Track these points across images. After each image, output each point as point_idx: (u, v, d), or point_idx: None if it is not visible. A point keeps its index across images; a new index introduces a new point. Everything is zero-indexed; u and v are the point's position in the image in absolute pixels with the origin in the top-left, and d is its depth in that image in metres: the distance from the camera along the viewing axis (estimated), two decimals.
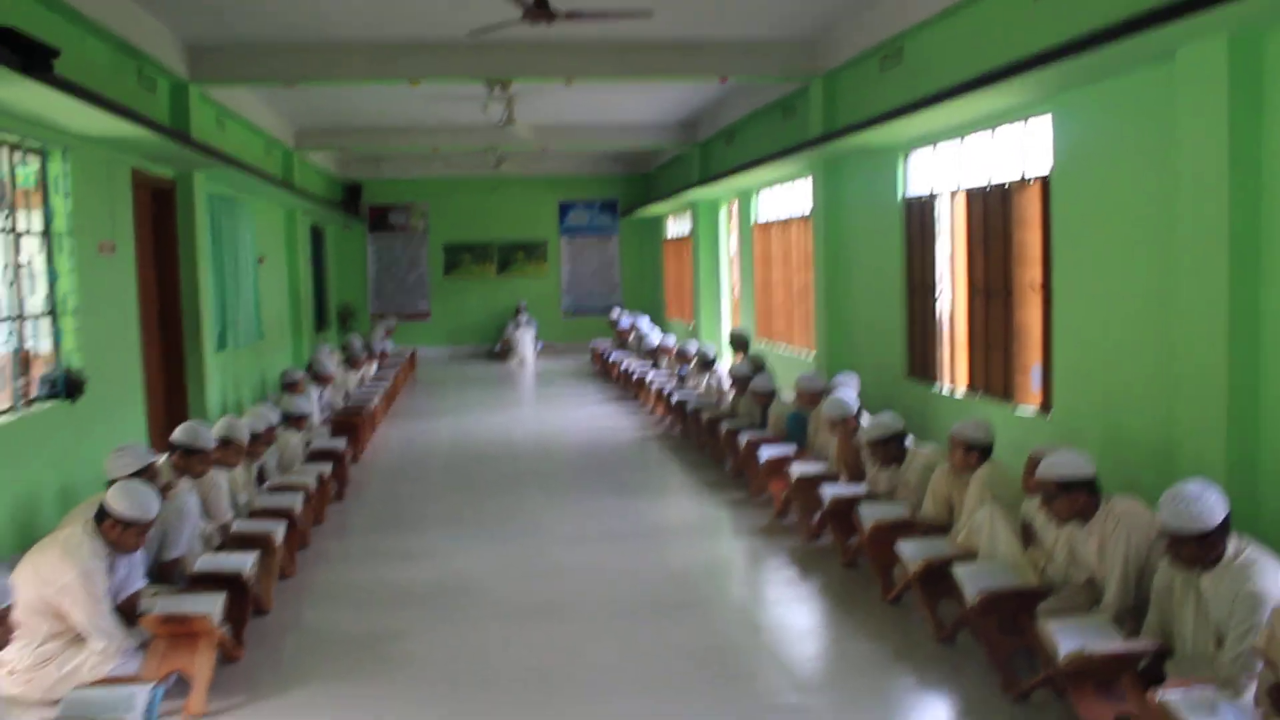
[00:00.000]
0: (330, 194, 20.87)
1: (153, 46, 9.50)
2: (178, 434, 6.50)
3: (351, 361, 14.74)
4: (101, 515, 4.94)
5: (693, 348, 13.61)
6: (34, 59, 5.71)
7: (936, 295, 9.69)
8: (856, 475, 7.53)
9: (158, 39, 9.69)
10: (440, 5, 9.50)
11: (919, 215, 9.96)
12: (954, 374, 9.44)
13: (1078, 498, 4.97)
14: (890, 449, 7.01)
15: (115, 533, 4.91)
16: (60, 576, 4.74)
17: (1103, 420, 7.00)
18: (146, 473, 5.70)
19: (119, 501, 4.91)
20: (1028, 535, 5.58)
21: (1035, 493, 5.61)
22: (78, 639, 4.87)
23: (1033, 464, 5.63)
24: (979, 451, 6.19)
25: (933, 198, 9.67)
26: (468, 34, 10.09)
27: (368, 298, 23.12)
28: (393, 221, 23.18)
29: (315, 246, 19.24)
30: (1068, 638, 4.38)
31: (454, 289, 23.42)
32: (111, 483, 5.57)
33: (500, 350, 22.13)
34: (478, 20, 9.46)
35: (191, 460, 6.43)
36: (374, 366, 16.24)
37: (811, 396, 9.05)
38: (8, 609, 3.87)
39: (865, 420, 7.69)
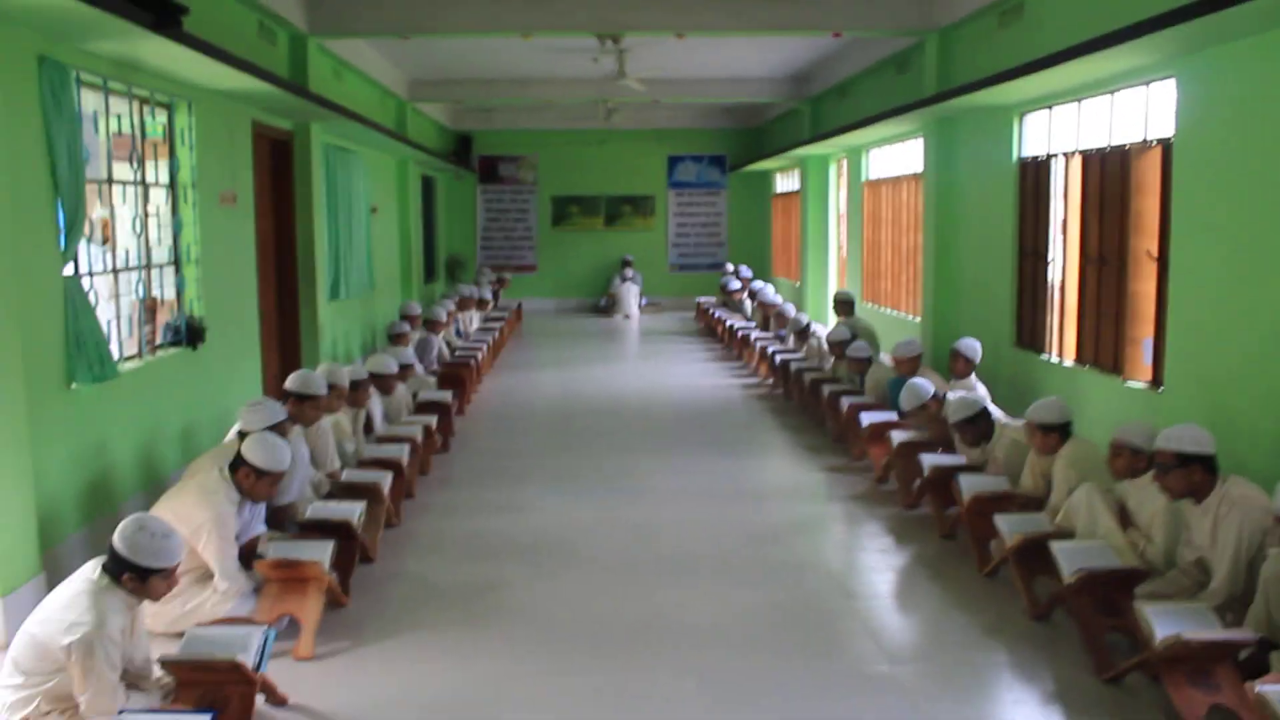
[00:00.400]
0: (442, 144, 21.14)
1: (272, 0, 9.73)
2: (291, 382, 6.75)
3: (462, 304, 15.11)
4: (236, 464, 5.18)
5: (792, 311, 13.56)
6: (165, 16, 5.90)
7: (1048, 262, 9.47)
8: (950, 449, 7.48)
9: None
10: None
11: (1033, 178, 9.72)
12: (1062, 344, 9.23)
13: (1194, 473, 4.88)
14: (978, 428, 6.94)
15: (249, 481, 5.18)
16: (196, 517, 5.03)
17: (1216, 398, 6.79)
18: (278, 428, 5.92)
19: (255, 452, 5.16)
20: (1122, 516, 5.50)
21: (1122, 475, 5.52)
22: (202, 578, 5.16)
23: (1116, 447, 5.55)
24: (1057, 432, 6.11)
25: (1048, 159, 9.42)
26: None
27: (476, 249, 23.42)
28: (502, 173, 23.39)
29: (426, 197, 19.56)
30: (1165, 622, 4.32)
31: (561, 242, 23.58)
32: (242, 434, 5.82)
33: (606, 305, 22.27)
34: None
35: (304, 407, 6.67)
36: (475, 317, 16.50)
37: (910, 363, 8.97)
38: (176, 565, 4.10)
39: (951, 395, 7.64)
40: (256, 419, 5.89)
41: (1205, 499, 4.89)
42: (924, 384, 7.83)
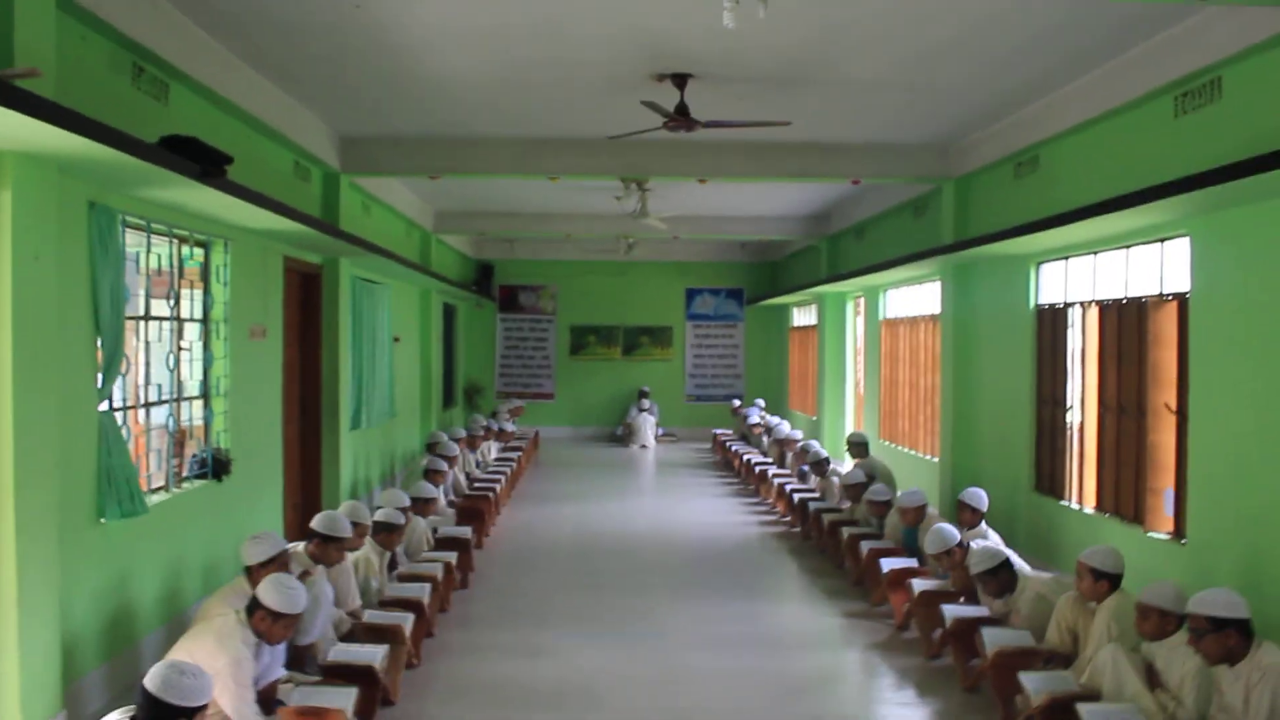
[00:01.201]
0: (464, 273, 21.53)
1: (308, 140, 10.08)
2: (317, 522, 6.78)
3: (471, 441, 15.08)
4: (252, 607, 5.20)
5: (813, 447, 13.58)
6: (211, 166, 6.14)
7: (1067, 408, 9.54)
8: (972, 598, 7.45)
9: (313, 133, 10.27)
10: (583, 108, 9.86)
11: (1050, 325, 9.86)
12: (1082, 492, 9.24)
13: (1229, 637, 4.88)
14: (999, 579, 6.91)
15: (265, 624, 5.18)
16: (213, 662, 5.01)
17: (1240, 552, 6.78)
18: (279, 559, 5.95)
19: (270, 595, 5.17)
20: (1151, 677, 5.44)
21: (1152, 637, 5.48)
22: None
23: (1144, 609, 5.50)
24: (1108, 581, 6.07)
25: (1065, 308, 9.57)
26: (608, 137, 10.44)
27: (494, 376, 23.63)
28: (522, 302, 23.74)
29: (447, 324, 19.83)
30: None
31: (579, 370, 23.79)
32: (247, 569, 5.87)
33: (622, 434, 22.36)
34: (619, 121, 9.80)
35: (328, 548, 6.69)
36: (494, 447, 16.58)
37: (915, 512, 8.99)
38: (206, 705, 4.10)
39: (975, 545, 7.62)
40: (257, 552, 5.92)
41: (1239, 664, 4.86)
42: (949, 529, 7.80)
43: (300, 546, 6.78)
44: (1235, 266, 6.90)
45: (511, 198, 16.38)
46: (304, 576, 6.21)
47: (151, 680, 4.02)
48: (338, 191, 11.31)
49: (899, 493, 9.36)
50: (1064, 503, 9.42)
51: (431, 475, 11.05)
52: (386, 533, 7.78)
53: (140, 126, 6.57)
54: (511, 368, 23.77)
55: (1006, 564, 6.93)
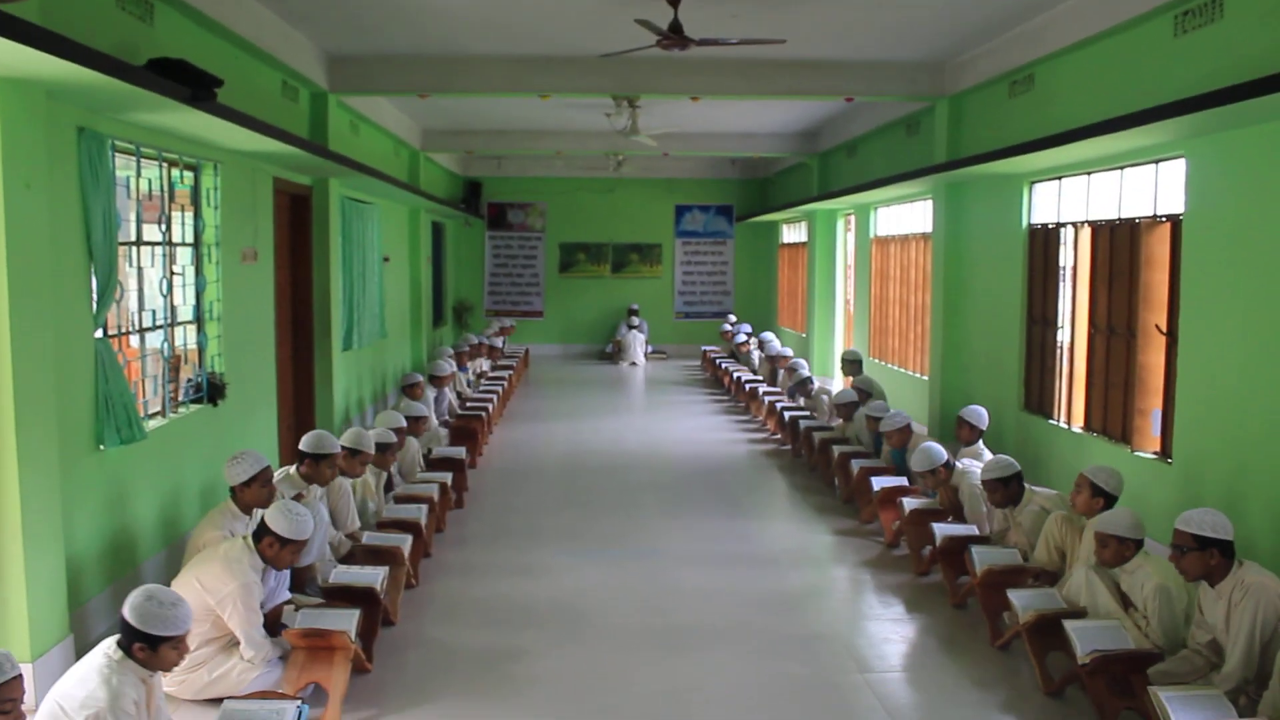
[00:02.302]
0: (452, 192, 21.36)
1: (296, 60, 9.91)
2: (305, 442, 6.83)
3: (458, 358, 15.12)
4: (260, 533, 5.27)
5: (800, 367, 13.66)
6: (200, 90, 6.05)
7: (1057, 328, 9.59)
8: (959, 516, 7.58)
9: (301, 52, 10.11)
10: (574, 25, 9.71)
11: (1042, 245, 9.87)
12: (1070, 411, 9.33)
13: (1211, 556, 4.97)
14: (1009, 489, 7.00)
15: (273, 550, 5.26)
16: (222, 587, 5.11)
17: (1225, 472, 6.89)
18: (262, 476, 5.99)
19: (278, 521, 5.24)
20: (1123, 597, 5.58)
21: (1112, 564, 5.59)
22: (228, 646, 5.23)
23: (1101, 537, 5.63)
24: (1104, 499, 6.18)
25: (1057, 228, 9.57)
26: (600, 56, 10.29)
27: (483, 295, 23.59)
28: (511, 219, 23.60)
29: (435, 243, 19.73)
30: (1182, 711, 4.39)
31: (568, 288, 23.76)
32: (232, 489, 5.93)
33: (612, 351, 22.42)
34: (612, 39, 9.66)
35: (319, 466, 6.75)
36: (487, 363, 16.63)
37: (899, 434, 9.10)
38: (187, 632, 4.19)
39: (962, 463, 7.75)
40: (239, 471, 5.96)
41: (1220, 583, 4.97)
42: (937, 448, 7.90)
43: (292, 470, 6.83)
44: (1231, 189, 6.89)
45: (500, 115, 16.19)
46: (298, 499, 6.28)
47: (129, 610, 4.10)
48: (326, 111, 11.17)
49: (884, 416, 9.44)
50: (1052, 422, 9.53)
51: (409, 390, 11.11)
52: (381, 453, 7.85)
53: (125, 48, 6.48)
54: (500, 286, 23.72)
55: (1018, 476, 7.01)
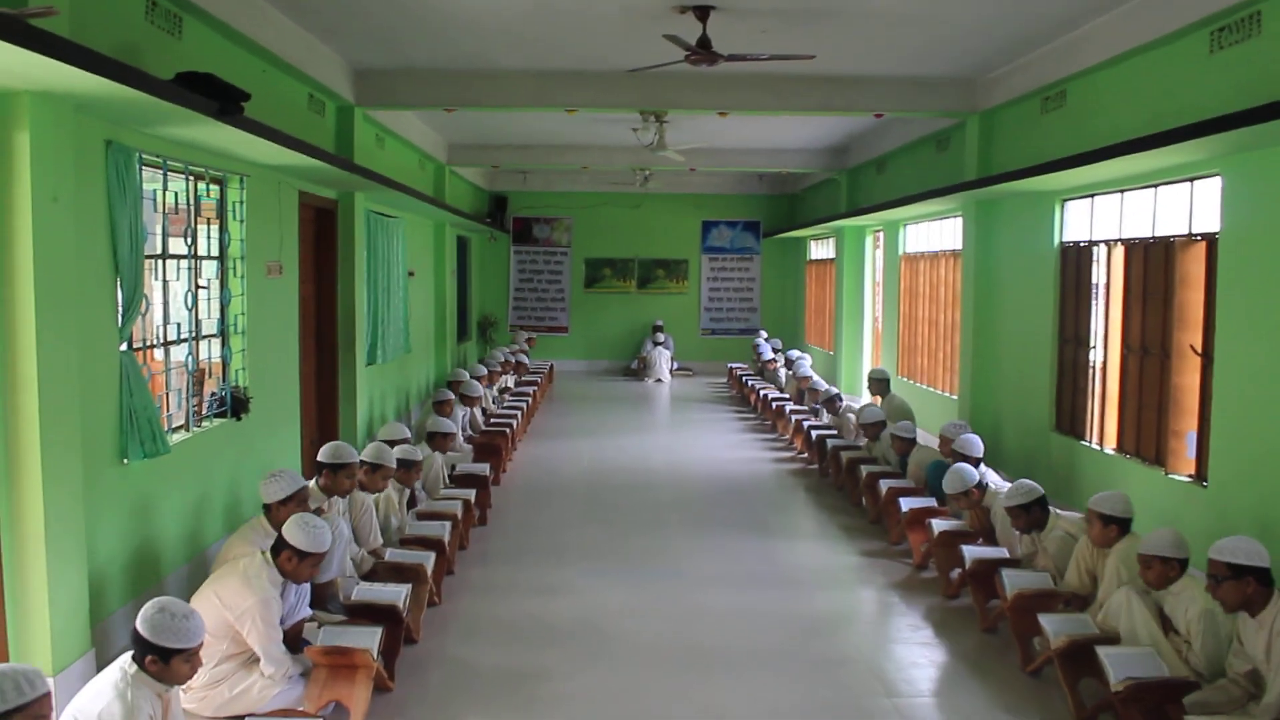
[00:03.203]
0: (477, 206, 21.38)
1: (323, 73, 9.93)
2: (323, 454, 6.81)
3: (491, 377, 15.10)
4: (278, 547, 5.23)
5: (823, 385, 13.58)
6: (228, 104, 6.04)
7: (1089, 348, 9.46)
8: (989, 539, 7.46)
9: (328, 66, 10.12)
10: (602, 40, 9.68)
11: (1074, 263, 9.74)
12: (1103, 433, 9.19)
13: (1248, 585, 4.85)
14: (1031, 515, 6.88)
15: (291, 564, 5.22)
16: (241, 602, 5.06)
17: (1262, 496, 6.75)
18: (298, 496, 5.98)
19: (296, 534, 5.20)
20: (1163, 621, 5.45)
21: (1157, 586, 5.46)
22: (249, 662, 5.19)
23: (1144, 559, 5.49)
24: (1117, 525, 6.06)
25: (1090, 246, 9.45)
26: (628, 71, 10.26)
27: (508, 310, 23.58)
28: (536, 234, 23.60)
29: (460, 257, 19.74)
30: None
31: (593, 304, 23.71)
32: (266, 506, 5.91)
33: (637, 367, 22.34)
34: (640, 54, 9.62)
35: (337, 477, 6.72)
36: (511, 378, 16.61)
37: (904, 443, 9.04)
38: (199, 645, 4.14)
39: (993, 483, 7.62)
40: (275, 490, 5.95)
41: (1261, 612, 4.84)
42: (969, 470, 7.79)
43: (312, 483, 6.80)
44: (1268, 208, 6.76)
45: (526, 129, 16.20)
46: (319, 513, 6.24)
47: (141, 622, 4.07)
48: (352, 125, 11.17)
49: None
50: (1084, 443, 9.39)
51: (439, 407, 11.07)
52: (405, 469, 7.81)
53: (153, 61, 6.49)
54: (525, 301, 23.70)
55: (1041, 501, 6.89)
